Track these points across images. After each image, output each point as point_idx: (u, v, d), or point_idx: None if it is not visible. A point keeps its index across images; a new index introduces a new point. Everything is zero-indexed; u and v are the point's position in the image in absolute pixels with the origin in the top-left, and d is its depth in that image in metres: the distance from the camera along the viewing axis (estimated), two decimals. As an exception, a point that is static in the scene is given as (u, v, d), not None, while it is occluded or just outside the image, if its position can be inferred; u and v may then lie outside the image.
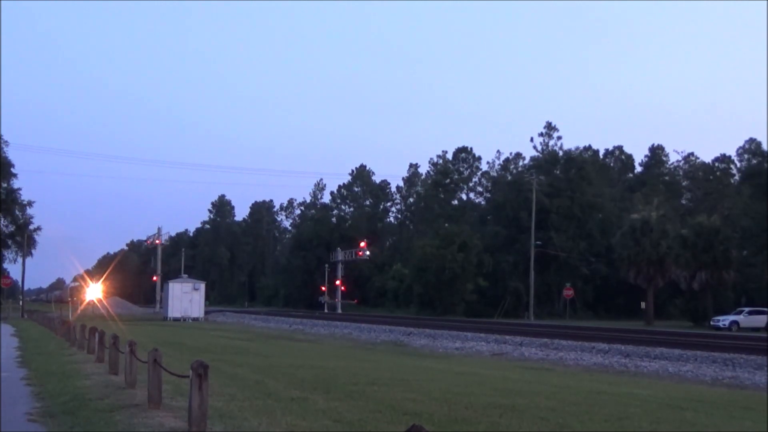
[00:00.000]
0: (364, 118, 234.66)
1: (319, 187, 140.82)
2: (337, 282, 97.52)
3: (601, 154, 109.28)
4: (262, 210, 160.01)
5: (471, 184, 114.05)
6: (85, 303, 73.35)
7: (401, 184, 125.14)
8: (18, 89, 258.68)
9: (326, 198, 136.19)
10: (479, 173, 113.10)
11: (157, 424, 8.81)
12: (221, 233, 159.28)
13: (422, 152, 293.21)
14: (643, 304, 71.03)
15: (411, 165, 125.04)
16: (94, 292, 76.95)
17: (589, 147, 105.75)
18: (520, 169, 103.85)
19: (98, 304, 74.04)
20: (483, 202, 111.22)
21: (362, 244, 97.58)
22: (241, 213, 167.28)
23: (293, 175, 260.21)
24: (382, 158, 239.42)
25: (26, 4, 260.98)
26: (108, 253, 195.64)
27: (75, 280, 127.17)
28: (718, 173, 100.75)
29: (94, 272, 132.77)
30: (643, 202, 77.45)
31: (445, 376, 18.01)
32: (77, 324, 25.57)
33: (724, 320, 57.55)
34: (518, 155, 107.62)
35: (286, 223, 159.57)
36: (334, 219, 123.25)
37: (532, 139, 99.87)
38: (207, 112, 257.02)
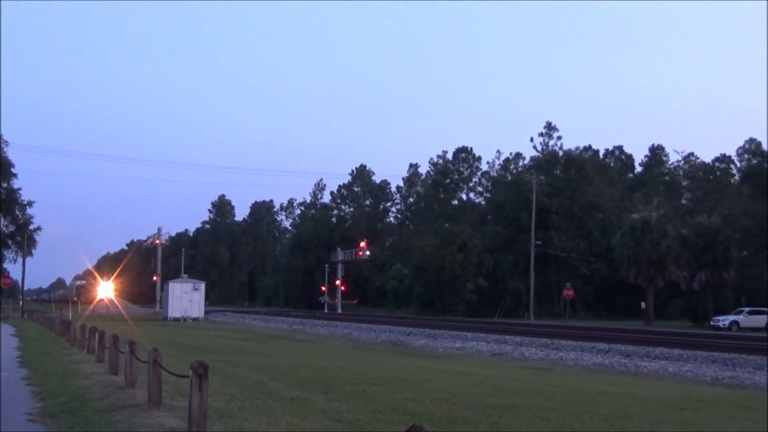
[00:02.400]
0: (364, 118, 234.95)
1: (319, 187, 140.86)
2: (337, 282, 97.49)
3: (601, 154, 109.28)
4: (262, 210, 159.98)
5: (471, 184, 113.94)
6: (96, 302, 72.31)
7: (401, 184, 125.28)
8: (18, 89, 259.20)
9: (326, 198, 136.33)
10: (479, 173, 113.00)
11: (157, 424, 8.81)
12: (221, 233, 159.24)
13: (422, 152, 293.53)
14: (643, 304, 70.99)
15: (411, 165, 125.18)
16: (106, 290, 75.86)
17: (589, 147, 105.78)
18: (520, 169, 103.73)
19: (109, 304, 73.04)
20: (483, 202, 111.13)
21: (362, 244, 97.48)
22: (241, 213, 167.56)
23: (293, 175, 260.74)
24: (382, 158, 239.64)
25: (26, 3, 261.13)
26: (108, 253, 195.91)
27: (79, 278, 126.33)
28: (718, 173, 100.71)
29: (95, 272, 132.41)
30: (643, 202, 77.41)
31: (445, 376, 18.00)
32: (77, 324, 25.52)
33: (724, 320, 57.50)
34: (518, 155, 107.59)
35: (286, 223, 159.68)
36: (334, 219, 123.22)
37: (532, 139, 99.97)
38: (207, 112, 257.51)
